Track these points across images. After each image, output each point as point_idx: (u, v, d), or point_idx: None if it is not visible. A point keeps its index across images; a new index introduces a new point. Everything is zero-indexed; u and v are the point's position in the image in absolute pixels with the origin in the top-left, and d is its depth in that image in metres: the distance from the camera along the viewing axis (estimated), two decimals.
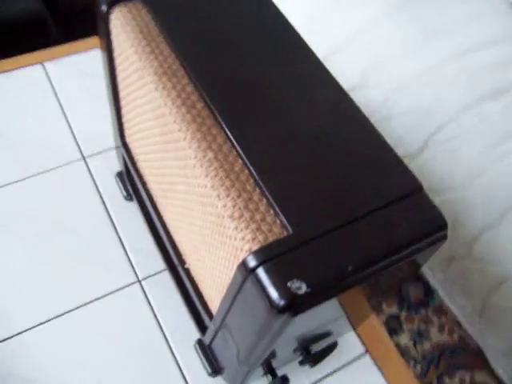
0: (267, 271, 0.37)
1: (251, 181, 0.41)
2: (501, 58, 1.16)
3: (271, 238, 0.38)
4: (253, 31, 0.50)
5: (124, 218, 0.75)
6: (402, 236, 0.40)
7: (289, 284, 0.37)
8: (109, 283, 0.70)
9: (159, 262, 0.71)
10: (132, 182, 0.73)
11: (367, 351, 0.68)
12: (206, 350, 0.64)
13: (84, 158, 0.80)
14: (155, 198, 0.61)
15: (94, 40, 0.95)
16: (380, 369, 0.67)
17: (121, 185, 0.76)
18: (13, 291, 0.67)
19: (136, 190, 0.73)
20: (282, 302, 0.36)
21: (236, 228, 0.39)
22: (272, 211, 0.39)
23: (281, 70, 0.48)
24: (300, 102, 0.46)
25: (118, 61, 0.55)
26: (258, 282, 0.37)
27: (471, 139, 1.09)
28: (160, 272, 0.71)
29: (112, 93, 0.60)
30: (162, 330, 0.67)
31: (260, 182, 0.40)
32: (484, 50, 1.17)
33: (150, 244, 0.71)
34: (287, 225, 0.39)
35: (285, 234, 0.39)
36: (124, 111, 0.61)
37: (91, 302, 0.68)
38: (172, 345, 0.66)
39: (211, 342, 0.60)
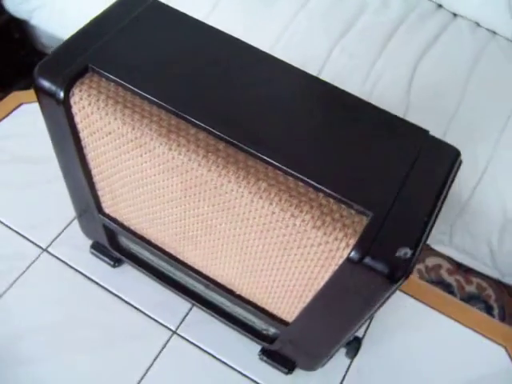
0: (374, 255, 0.41)
1: (310, 189, 0.44)
2: None
3: (359, 227, 0.43)
4: (212, 57, 0.52)
5: (122, 285, 0.72)
6: (440, 175, 0.47)
7: (397, 254, 0.42)
8: (149, 349, 0.68)
9: (182, 306, 0.71)
10: (119, 247, 0.70)
11: None
12: (274, 355, 0.67)
13: (46, 249, 0.73)
14: (170, 249, 0.61)
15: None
16: None
17: (102, 256, 0.72)
18: None
19: (127, 253, 0.70)
20: (399, 272, 0.41)
21: (325, 234, 0.43)
22: (343, 205, 0.43)
23: (257, 83, 0.51)
24: (299, 107, 0.50)
25: (87, 140, 0.52)
26: (370, 267, 0.42)
27: (348, 76, 1.22)
28: (188, 313, 0.71)
29: (83, 173, 0.56)
30: (220, 361, 0.68)
31: (319, 185, 0.43)
32: None
33: (163, 294, 0.71)
34: (363, 210, 0.43)
35: (365, 218, 0.43)
36: (101, 185, 0.58)
37: (146, 373, 0.66)
38: (239, 368, 0.68)
39: (284, 344, 0.63)
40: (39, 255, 0.73)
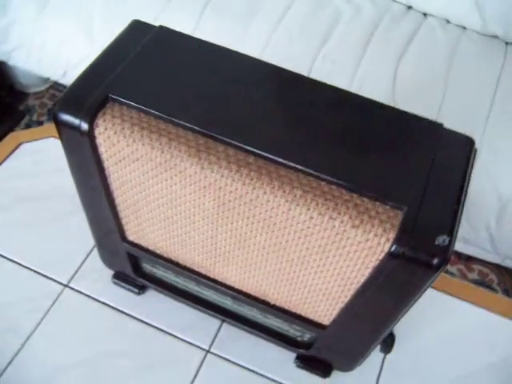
0: (414, 246, 0.43)
1: (343, 191, 0.45)
2: None
3: (396, 221, 0.44)
4: (225, 74, 0.53)
5: (149, 311, 0.72)
6: (461, 164, 0.49)
7: (436, 242, 0.43)
8: (186, 371, 0.68)
9: (212, 324, 0.71)
10: (143, 273, 0.70)
11: None
12: (310, 360, 0.68)
13: (67, 284, 0.73)
14: (200, 268, 0.61)
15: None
16: None
17: (125, 284, 0.72)
18: None
19: (152, 278, 0.71)
20: (440, 259, 0.43)
21: (364, 231, 0.44)
22: (377, 203, 0.45)
23: (272, 95, 0.52)
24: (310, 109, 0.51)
25: (112, 169, 0.53)
26: (412, 258, 0.43)
27: (334, 81, 1.25)
28: (219, 330, 0.71)
29: (108, 203, 0.57)
30: (257, 373, 0.69)
31: (351, 186, 0.45)
32: None
33: (191, 315, 0.71)
34: (397, 205, 0.44)
35: (400, 212, 0.45)
36: (125, 213, 0.58)
37: None
38: (277, 378, 0.68)
39: (321, 348, 0.64)
40: (62, 291, 0.72)
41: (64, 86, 1.65)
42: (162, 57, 0.54)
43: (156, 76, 0.52)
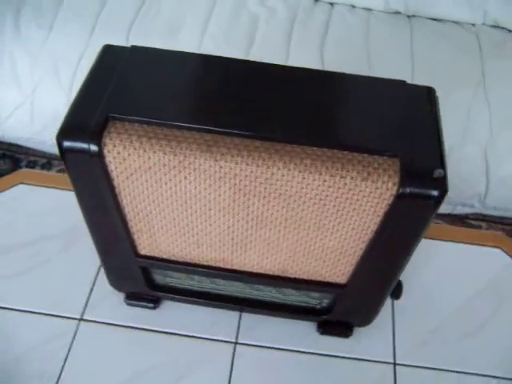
0: (418, 183, 0.49)
1: (345, 152, 0.51)
2: None
3: (396, 167, 0.50)
4: (205, 75, 0.57)
5: (169, 321, 0.74)
6: (430, 109, 0.56)
7: (434, 176, 0.50)
8: (221, 367, 0.70)
9: (232, 316, 0.74)
10: (156, 286, 0.72)
11: None
12: (331, 325, 0.73)
13: (81, 318, 0.73)
14: (217, 262, 0.64)
15: None
16: None
17: (139, 302, 0.74)
18: None
19: (166, 288, 0.72)
20: (441, 189, 0.49)
21: (373, 181, 0.50)
22: (376, 156, 0.51)
23: (254, 84, 0.57)
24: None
25: (122, 185, 0.55)
26: (418, 194, 0.49)
27: None
28: (240, 321, 0.74)
29: (120, 220, 0.59)
30: (287, 350, 0.72)
31: (352, 147, 0.51)
32: None
33: (211, 313, 0.74)
34: (393, 153, 0.51)
35: (397, 159, 0.51)
36: (137, 228, 0.60)
37: None
38: (306, 350, 0.72)
39: (341, 309, 0.69)
40: (78, 326, 0.72)
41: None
42: (144, 71, 0.57)
43: (145, 89, 0.55)
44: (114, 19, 1.50)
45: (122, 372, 0.69)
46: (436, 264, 0.82)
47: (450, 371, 0.70)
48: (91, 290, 0.76)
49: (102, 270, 0.78)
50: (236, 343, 0.72)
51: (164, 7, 1.53)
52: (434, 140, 0.53)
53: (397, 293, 0.71)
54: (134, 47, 0.60)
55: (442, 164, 0.51)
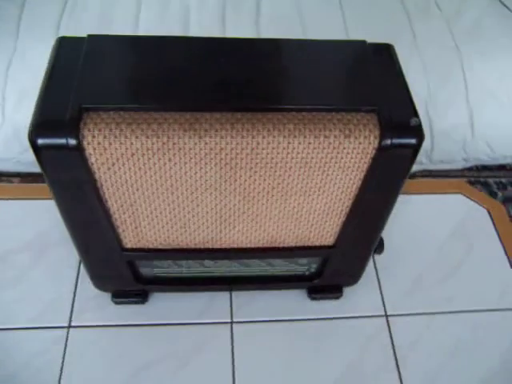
0: (398, 134, 0.51)
1: (323, 113, 0.52)
2: None
3: (374, 121, 0.52)
4: (169, 55, 0.56)
5: (161, 313, 0.73)
6: (393, 62, 0.58)
7: (412, 124, 0.52)
8: (223, 348, 0.71)
9: (224, 297, 0.75)
10: (144, 279, 0.70)
11: None
12: (321, 289, 0.75)
13: (69, 325, 0.70)
14: (206, 244, 0.64)
15: None
16: None
17: (127, 299, 0.72)
18: None
19: (154, 280, 0.71)
20: (420, 136, 0.52)
21: (355, 137, 0.51)
22: (353, 113, 0.52)
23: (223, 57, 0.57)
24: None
25: (104, 177, 0.53)
26: (399, 144, 0.51)
27: None
28: (231, 300, 0.74)
29: (103, 214, 0.57)
30: (284, 320, 0.73)
31: (329, 107, 0.51)
32: None
33: (201, 297, 0.74)
34: (369, 109, 0.52)
35: (374, 114, 0.53)
36: (122, 220, 0.59)
37: (233, 367, 0.69)
38: (301, 317, 0.74)
39: (331, 271, 0.71)
40: (68, 334, 0.70)
41: None
42: (107, 59, 0.55)
43: (113, 76, 0.54)
44: (39, 20, 1.43)
45: (122, 371, 0.68)
46: (406, 217, 0.86)
47: (440, 313, 0.74)
48: (74, 295, 0.73)
49: (82, 274, 0.76)
50: (232, 322, 0.73)
51: (90, 2, 1.48)
52: (403, 91, 0.56)
53: (379, 248, 0.74)
54: (90, 36, 0.58)
55: (415, 113, 0.53)
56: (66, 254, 0.78)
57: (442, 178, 1.65)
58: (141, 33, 1.41)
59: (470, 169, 1.74)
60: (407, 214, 0.86)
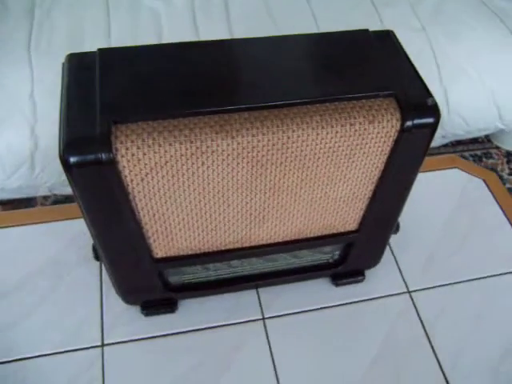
0: (418, 114, 0.54)
1: (345, 102, 0.54)
2: None
3: (394, 105, 0.54)
4: (189, 60, 0.57)
5: (194, 319, 0.73)
6: (397, 48, 0.61)
7: (429, 104, 0.55)
8: (260, 346, 0.71)
9: (252, 295, 0.76)
10: (174, 287, 0.70)
11: None
12: (344, 275, 0.77)
13: (103, 344, 0.69)
14: (235, 244, 0.65)
15: None
16: None
17: (157, 310, 0.72)
18: None
19: (183, 287, 0.72)
20: (438, 114, 0.54)
21: (379, 122, 0.53)
22: (373, 99, 0.54)
23: (243, 59, 0.58)
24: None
25: (137, 188, 0.53)
26: (420, 124, 0.54)
27: None
28: (260, 297, 0.75)
29: (135, 226, 0.57)
30: (313, 310, 0.75)
31: (349, 97, 0.53)
32: None
33: (230, 298, 0.75)
34: (387, 94, 0.54)
35: (393, 98, 0.55)
36: (153, 230, 0.59)
37: (274, 364, 0.70)
38: (328, 304, 0.76)
39: (354, 255, 0.73)
40: (103, 352, 0.69)
41: None
42: (123, 70, 0.55)
43: (133, 87, 0.54)
44: (6, 44, 1.40)
45: (164, 381, 0.68)
46: (410, 196, 0.89)
47: (457, 283, 0.78)
48: (101, 313, 0.73)
49: (106, 291, 0.75)
50: (263, 319, 0.73)
51: (56, 21, 1.45)
52: (414, 74, 0.58)
53: (396, 228, 0.76)
54: (101, 50, 0.58)
55: (429, 93, 0.56)
56: (84, 274, 0.77)
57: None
58: (114, 44, 1.40)
59: (445, 145, 1.81)
60: (411, 193, 0.89)
